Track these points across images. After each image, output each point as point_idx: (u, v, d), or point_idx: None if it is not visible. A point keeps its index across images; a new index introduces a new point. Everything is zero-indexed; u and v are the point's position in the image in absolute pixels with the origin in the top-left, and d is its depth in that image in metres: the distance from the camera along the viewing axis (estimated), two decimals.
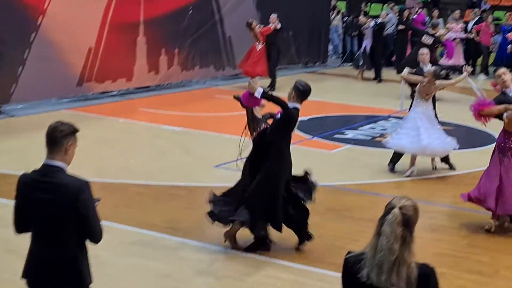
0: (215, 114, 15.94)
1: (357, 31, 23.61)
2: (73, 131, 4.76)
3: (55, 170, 4.69)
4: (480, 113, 9.08)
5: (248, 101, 8.18)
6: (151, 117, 15.37)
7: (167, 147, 12.76)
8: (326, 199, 10.11)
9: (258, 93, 7.89)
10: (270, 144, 8.04)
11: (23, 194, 4.78)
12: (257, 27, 19.18)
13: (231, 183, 10.63)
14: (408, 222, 3.83)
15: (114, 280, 7.21)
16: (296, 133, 13.86)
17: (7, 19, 14.66)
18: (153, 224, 8.85)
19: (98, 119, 14.84)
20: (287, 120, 7.93)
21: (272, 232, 8.19)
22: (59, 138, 4.70)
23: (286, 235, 8.27)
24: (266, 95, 7.97)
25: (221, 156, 12.23)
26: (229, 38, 20.75)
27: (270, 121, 8.32)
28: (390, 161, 11.69)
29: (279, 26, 19.33)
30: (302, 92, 7.95)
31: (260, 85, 7.96)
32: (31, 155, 11.50)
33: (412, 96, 13.29)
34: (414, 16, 24.23)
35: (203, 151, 12.68)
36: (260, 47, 19.16)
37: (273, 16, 19.36)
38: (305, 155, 12.47)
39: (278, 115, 8.04)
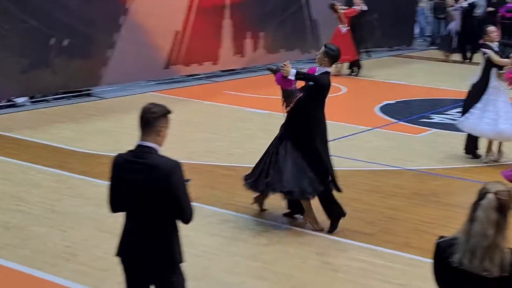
0: None
1: (445, 13, 23.13)
2: (165, 112, 4.84)
3: (148, 151, 4.78)
4: None
5: (282, 83, 8.38)
6: (236, 100, 15.48)
7: (252, 130, 12.83)
8: (412, 183, 10.02)
9: (292, 75, 8.09)
10: (305, 111, 8.22)
11: (117, 175, 4.88)
12: (339, 8, 18.80)
13: None
14: (503, 207, 3.77)
15: (202, 261, 7.33)
16: (382, 117, 13.78)
17: (97, 3, 14.99)
18: (240, 206, 8.95)
19: (184, 101, 15.03)
20: (321, 86, 8.11)
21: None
22: (152, 119, 4.78)
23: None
24: (299, 76, 8.14)
25: None
26: (315, 21, 20.66)
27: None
28: (466, 147, 11.38)
29: (364, 8, 19.05)
30: (333, 56, 8.20)
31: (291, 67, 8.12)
32: (121, 136, 11.80)
33: None
34: None
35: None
36: (344, 30, 18.74)
37: None
38: (391, 139, 12.37)
39: (310, 83, 8.18)
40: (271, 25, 19.33)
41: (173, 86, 16.77)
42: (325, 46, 8.29)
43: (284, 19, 19.64)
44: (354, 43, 18.87)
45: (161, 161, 4.74)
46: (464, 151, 11.39)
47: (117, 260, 4.99)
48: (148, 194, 4.72)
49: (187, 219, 4.79)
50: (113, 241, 7.38)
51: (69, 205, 8.87)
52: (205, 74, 18.14)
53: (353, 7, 19.08)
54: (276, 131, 12.67)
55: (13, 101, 14.13)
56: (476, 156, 11.30)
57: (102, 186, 9.26)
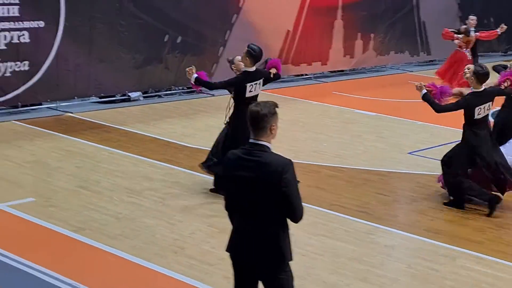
0: (408, 100, 15.70)
1: None
2: (275, 110, 4.88)
3: (260, 148, 4.82)
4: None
5: (193, 86, 9.70)
6: (344, 101, 15.42)
7: (360, 132, 12.76)
8: None
9: (192, 80, 9.18)
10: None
11: (229, 172, 4.94)
12: (469, 32, 16.54)
13: (424, 171, 10.53)
14: None
15: (307, 260, 7.34)
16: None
17: (211, 1, 15.25)
18: (345, 207, 8.91)
19: (292, 101, 15.08)
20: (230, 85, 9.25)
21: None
22: (264, 118, 4.82)
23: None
24: (197, 82, 9.20)
25: (414, 143, 12.09)
26: (424, 24, 20.33)
27: None
28: None
29: (504, 27, 16.99)
30: (254, 56, 9.03)
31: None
32: None
33: None
34: None
35: (396, 137, 12.56)
36: (469, 57, 16.55)
37: (473, 18, 16.96)
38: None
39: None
40: (382, 27, 19.15)
41: (281, 86, 16.83)
42: (248, 46, 9.05)
43: (394, 21, 19.42)
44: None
45: (274, 159, 4.77)
46: None
47: (224, 255, 5.05)
48: (260, 192, 4.76)
49: (297, 218, 4.80)
50: (220, 236, 7.56)
51: (178, 198, 9.05)
52: (313, 74, 18.15)
53: (490, 30, 17.31)
54: (383, 134, 12.64)
55: (127, 96, 14.53)
56: None
57: (209, 182, 9.44)
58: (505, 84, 9.34)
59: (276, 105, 4.91)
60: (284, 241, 4.85)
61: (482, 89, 8.89)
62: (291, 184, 4.73)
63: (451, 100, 9.40)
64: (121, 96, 14.52)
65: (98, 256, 7.34)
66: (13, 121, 12.57)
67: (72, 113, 13.39)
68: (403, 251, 7.81)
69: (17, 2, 12.47)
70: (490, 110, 9.00)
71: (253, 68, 9.13)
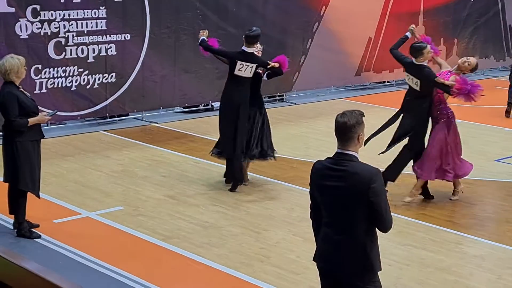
0: (494, 106, 15.40)
1: None
2: (362, 120, 4.86)
3: (348, 158, 4.80)
4: None
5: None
6: None
7: None
8: None
9: (199, 41, 9.99)
10: None
11: (317, 181, 4.94)
12: None
13: None
14: None
15: (394, 270, 7.28)
16: None
17: (292, 10, 15.31)
18: (433, 217, 8.80)
19: (375, 108, 14.96)
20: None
21: None
22: (351, 127, 4.80)
23: None
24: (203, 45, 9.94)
25: (501, 150, 11.85)
26: (510, 28, 19.90)
27: None
28: None
29: None
30: (249, 37, 9.86)
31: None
32: (312, 142, 11.96)
33: None
34: None
35: (482, 144, 12.33)
36: None
37: None
38: None
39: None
40: (465, 31, 18.84)
41: (363, 93, 16.77)
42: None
43: (478, 26, 19.09)
44: None
45: (362, 169, 4.75)
46: None
47: (309, 264, 5.06)
48: (348, 201, 4.75)
49: (386, 228, 4.77)
50: (305, 245, 7.57)
51: (263, 207, 9.11)
52: (395, 81, 17.99)
53: None
54: (469, 141, 12.41)
55: (211, 105, 14.70)
56: None
57: (294, 191, 9.49)
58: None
59: (362, 114, 4.89)
60: (373, 251, 4.82)
61: None
62: (379, 194, 4.70)
63: None
64: (204, 106, 14.70)
65: (185, 264, 7.45)
66: (101, 132, 12.90)
67: (157, 123, 13.64)
68: (493, 261, 7.65)
69: (104, 16, 12.80)
70: None
71: (250, 50, 9.81)
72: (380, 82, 17.88)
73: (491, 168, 10.91)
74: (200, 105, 14.67)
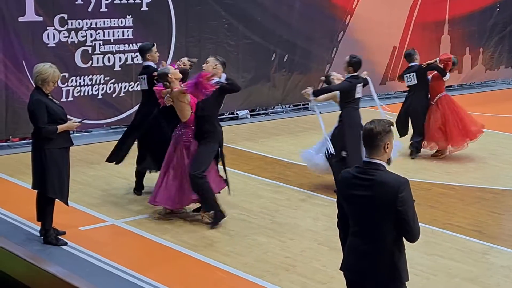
0: None
1: None
2: (390, 129, 4.84)
3: (375, 167, 4.78)
4: None
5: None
6: None
7: (471, 149, 12.47)
8: None
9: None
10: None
11: (344, 190, 4.93)
12: None
13: None
14: None
15: (421, 280, 7.23)
16: None
17: (317, 19, 15.33)
18: (458, 226, 8.74)
19: None
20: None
21: None
22: (379, 136, 4.79)
23: None
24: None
25: None
26: None
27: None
28: None
29: None
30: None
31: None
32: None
33: None
34: None
35: (509, 154, 12.24)
36: None
37: None
38: None
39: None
40: (491, 41, 18.74)
41: (387, 102, 16.67)
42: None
43: (504, 35, 18.98)
44: None
45: (390, 178, 4.74)
46: None
47: (335, 274, 5.05)
48: (376, 211, 4.73)
49: (414, 237, 4.75)
50: (331, 254, 7.56)
51: (288, 216, 9.10)
52: None
53: None
54: (497, 151, 12.33)
55: (236, 114, 14.73)
56: None
57: (319, 199, 9.46)
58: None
59: (391, 123, 4.88)
60: (400, 261, 4.80)
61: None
62: (407, 204, 4.68)
63: None
64: (229, 114, 14.74)
65: (211, 272, 7.45)
66: None
67: None
68: None
69: (131, 25, 12.88)
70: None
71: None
72: (404, 91, 17.78)
73: None
74: (225, 114, 14.70)
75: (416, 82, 11.92)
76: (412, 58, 12.20)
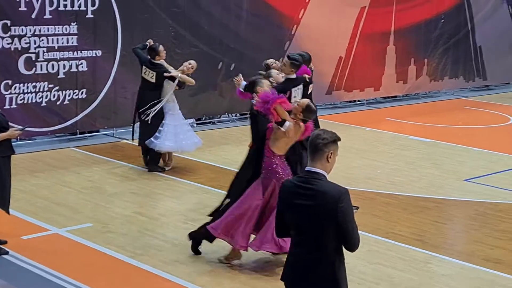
0: (464, 126, 15.57)
1: None
2: (335, 139, 4.86)
3: (316, 177, 4.79)
4: (276, 107, 7.42)
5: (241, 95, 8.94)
6: (397, 127, 15.35)
7: (414, 159, 12.67)
8: None
9: (241, 86, 8.84)
10: None
11: (285, 199, 4.94)
12: None
13: (482, 198, 10.40)
14: None
15: (362, 287, 7.31)
16: None
17: (265, 29, 15.39)
18: (402, 235, 8.84)
19: (345, 127, 15.05)
20: None
21: None
22: (321, 146, 4.80)
23: None
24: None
25: (471, 170, 11.96)
26: (479, 48, 20.17)
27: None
28: None
29: None
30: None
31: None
32: None
33: None
34: None
35: (452, 164, 12.44)
36: None
37: None
38: None
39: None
40: (436, 52, 19.05)
41: (334, 112, 16.85)
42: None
43: (448, 46, 19.32)
44: None
45: (330, 188, 4.75)
46: None
47: (279, 283, 5.03)
48: (316, 220, 4.74)
49: (353, 247, 4.77)
50: (275, 263, 7.56)
51: None
52: (366, 100, 18.12)
53: None
54: (439, 161, 12.52)
55: None
56: None
57: None
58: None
59: (336, 136, 4.89)
60: (340, 270, 4.81)
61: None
62: (347, 213, 4.70)
63: None
64: None
65: (155, 282, 7.40)
66: (72, 148, 12.81)
67: (128, 139, 13.56)
68: (461, 281, 7.69)
69: (76, 32, 12.75)
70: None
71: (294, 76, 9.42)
72: (351, 101, 18.00)
73: (460, 188, 11.00)
74: None
75: None
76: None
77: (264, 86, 8.26)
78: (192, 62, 11.53)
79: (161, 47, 11.51)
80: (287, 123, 7.47)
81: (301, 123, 7.60)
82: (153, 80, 11.33)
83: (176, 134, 11.32)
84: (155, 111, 11.23)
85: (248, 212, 7.59)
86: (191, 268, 7.71)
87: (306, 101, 7.73)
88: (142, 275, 7.53)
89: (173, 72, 11.34)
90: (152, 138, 11.18)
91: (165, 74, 11.28)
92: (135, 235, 8.62)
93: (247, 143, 12.96)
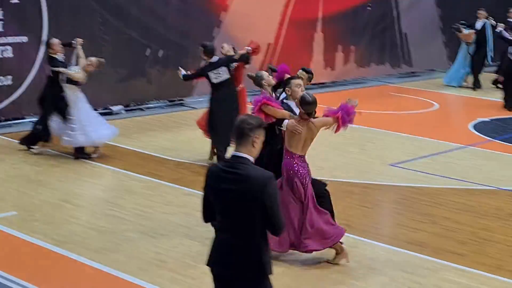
0: (391, 112, 15.80)
1: None
2: (261, 124, 4.89)
3: (242, 161, 4.81)
4: (262, 108, 7.55)
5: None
6: None
7: (342, 144, 12.78)
8: (508, 204, 9.78)
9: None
10: None
11: (211, 184, 4.94)
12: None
13: (407, 183, 10.59)
14: None
15: (290, 272, 7.33)
16: (476, 134, 13.50)
17: (193, 15, 15.30)
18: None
19: None
20: None
21: None
22: (247, 130, 4.82)
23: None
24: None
25: (396, 155, 12.15)
26: (405, 35, 20.47)
27: None
28: None
29: None
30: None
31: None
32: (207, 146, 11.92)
33: None
34: None
35: (379, 149, 12.62)
36: None
37: None
38: (485, 157, 12.14)
39: None
40: (363, 39, 19.26)
41: None
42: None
43: (375, 33, 19.56)
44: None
45: (256, 173, 4.78)
46: None
47: (206, 269, 5.03)
48: (241, 205, 4.77)
49: (278, 231, 4.81)
50: (203, 250, 7.53)
51: (160, 212, 9.05)
52: None
53: None
54: (366, 146, 12.69)
55: (110, 109, 14.51)
56: None
57: (192, 195, 9.46)
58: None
59: (263, 122, 4.92)
60: (265, 254, 4.84)
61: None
62: (272, 198, 4.74)
63: None
64: (103, 110, 14.48)
65: (80, 270, 7.32)
66: None
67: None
68: (386, 264, 7.81)
69: (1, 18, 12.47)
70: None
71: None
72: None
73: (386, 173, 11.17)
74: (98, 109, 14.41)
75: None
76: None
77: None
78: (93, 59, 11.24)
79: (54, 40, 11.32)
80: (285, 122, 7.48)
81: (309, 118, 7.58)
82: (51, 74, 11.27)
83: (84, 127, 11.07)
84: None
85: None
86: (118, 255, 7.65)
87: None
88: (67, 263, 7.45)
89: (60, 68, 11.07)
90: (64, 136, 11.10)
91: (53, 69, 11.14)
92: (61, 223, 8.51)
93: (176, 130, 12.91)
